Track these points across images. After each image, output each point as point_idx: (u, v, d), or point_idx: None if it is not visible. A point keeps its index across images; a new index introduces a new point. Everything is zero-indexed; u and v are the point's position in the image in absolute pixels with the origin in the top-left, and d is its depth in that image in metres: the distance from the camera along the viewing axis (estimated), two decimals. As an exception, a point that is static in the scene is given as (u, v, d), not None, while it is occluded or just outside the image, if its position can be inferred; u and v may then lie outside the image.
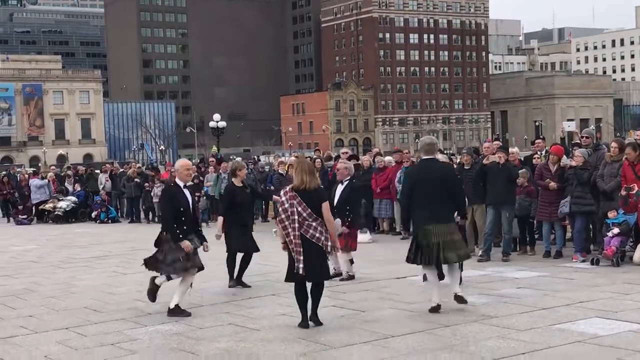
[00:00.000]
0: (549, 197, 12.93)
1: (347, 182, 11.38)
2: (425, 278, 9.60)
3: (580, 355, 6.79)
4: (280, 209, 8.39)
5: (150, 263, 9.43)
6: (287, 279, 8.40)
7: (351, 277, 11.33)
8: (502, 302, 9.26)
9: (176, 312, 9.15)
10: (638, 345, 7.02)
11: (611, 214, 11.99)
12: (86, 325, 8.96)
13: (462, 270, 9.66)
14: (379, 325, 8.26)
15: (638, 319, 8.09)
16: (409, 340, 7.55)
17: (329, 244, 8.35)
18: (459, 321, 8.32)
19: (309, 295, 8.36)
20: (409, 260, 9.09)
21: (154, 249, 9.37)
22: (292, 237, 8.22)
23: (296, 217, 8.22)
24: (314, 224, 8.25)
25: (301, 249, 8.17)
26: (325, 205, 8.41)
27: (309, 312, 8.35)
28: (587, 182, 12.37)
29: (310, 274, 8.23)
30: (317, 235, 8.25)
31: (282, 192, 8.48)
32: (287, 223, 8.28)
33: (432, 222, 8.80)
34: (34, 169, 30.17)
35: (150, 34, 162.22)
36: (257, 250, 11.36)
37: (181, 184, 9.36)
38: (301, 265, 8.15)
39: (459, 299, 8.92)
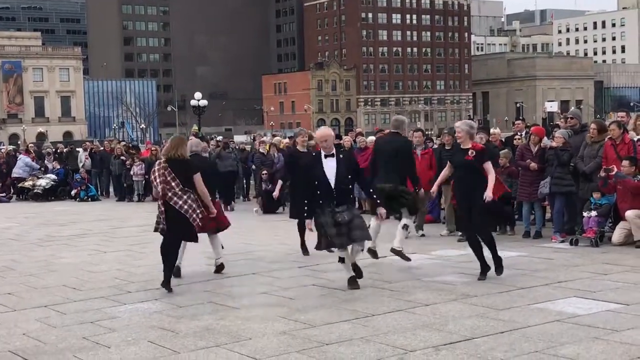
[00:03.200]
0: (529, 177, 12.97)
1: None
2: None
3: (559, 334, 6.84)
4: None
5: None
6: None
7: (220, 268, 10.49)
8: (481, 282, 9.31)
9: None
10: (615, 325, 7.08)
11: (596, 195, 12.07)
12: (65, 303, 8.92)
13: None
14: (359, 304, 8.29)
15: (616, 298, 8.16)
16: (389, 319, 7.58)
17: (196, 216, 9.30)
18: (439, 300, 8.37)
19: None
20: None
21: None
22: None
23: (164, 184, 9.21)
24: (179, 193, 9.21)
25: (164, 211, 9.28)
26: (196, 178, 9.32)
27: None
28: (567, 162, 12.42)
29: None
30: (180, 203, 9.20)
31: (156, 163, 9.62)
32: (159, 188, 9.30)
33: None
34: (26, 147, 29.97)
35: (131, 11, 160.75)
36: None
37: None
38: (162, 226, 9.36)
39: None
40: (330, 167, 8.89)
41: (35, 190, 25.77)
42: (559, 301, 8.12)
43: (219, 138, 24.90)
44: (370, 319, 7.63)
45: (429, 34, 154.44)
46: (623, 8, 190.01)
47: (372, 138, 18.56)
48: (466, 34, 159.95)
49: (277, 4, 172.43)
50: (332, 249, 9.13)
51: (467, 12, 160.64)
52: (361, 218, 9.19)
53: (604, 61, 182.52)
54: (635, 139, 12.57)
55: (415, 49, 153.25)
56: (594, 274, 9.60)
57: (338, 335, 7.03)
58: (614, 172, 11.65)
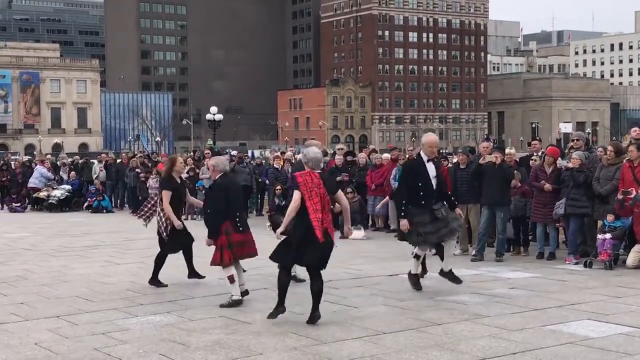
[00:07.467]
0: (543, 198, 12.92)
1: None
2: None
3: (571, 356, 6.79)
4: None
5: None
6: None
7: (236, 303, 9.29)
8: (494, 302, 9.27)
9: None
10: (628, 348, 7.03)
11: (610, 218, 11.99)
12: (77, 314, 8.94)
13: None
14: (371, 321, 8.26)
15: (629, 321, 8.10)
16: (400, 338, 7.55)
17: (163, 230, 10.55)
18: (451, 320, 8.33)
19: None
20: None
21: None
22: None
23: None
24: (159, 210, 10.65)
25: None
26: (162, 194, 10.49)
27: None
28: (583, 184, 12.36)
29: None
30: (159, 219, 10.68)
31: None
32: None
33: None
34: (43, 158, 30.16)
35: (149, 25, 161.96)
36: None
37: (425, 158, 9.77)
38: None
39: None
40: (431, 170, 9.73)
41: (50, 201, 25.89)
42: (572, 323, 8.07)
43: (234, 152, 24.93)
44: (381, 337, 7.60)
45: (445, 52, 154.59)
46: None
47: (386, 155, 18.59)
48: (482, 54, 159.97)
49: (294, 20, 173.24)
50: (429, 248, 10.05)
51: (483, 32, 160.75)
52: (454, 213, 9.96)
53: (621, 83, 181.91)
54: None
55: (431, 67, 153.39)
56: (608, 296, 9.54)
57: (348, 353, 7.01)
58: (632, 195, 11.57)
